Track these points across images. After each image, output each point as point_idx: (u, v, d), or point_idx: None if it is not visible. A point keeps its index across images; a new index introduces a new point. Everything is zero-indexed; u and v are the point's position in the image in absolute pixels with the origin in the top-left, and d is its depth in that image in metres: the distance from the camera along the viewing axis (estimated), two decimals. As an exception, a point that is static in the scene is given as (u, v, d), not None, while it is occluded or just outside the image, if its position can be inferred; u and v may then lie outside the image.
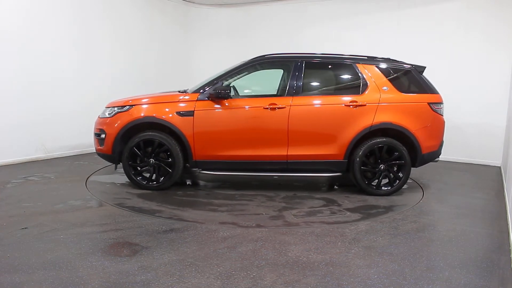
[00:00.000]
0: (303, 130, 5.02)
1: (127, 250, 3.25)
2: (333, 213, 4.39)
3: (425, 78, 5.21)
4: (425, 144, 5.05)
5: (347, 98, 5.05)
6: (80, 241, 3.40)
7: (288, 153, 5.02)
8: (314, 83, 5.47)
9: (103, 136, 5.15)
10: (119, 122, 5.05)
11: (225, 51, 9.33)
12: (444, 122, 5.21)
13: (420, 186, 5.68)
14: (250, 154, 5.05)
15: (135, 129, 5.08)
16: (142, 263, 3.01)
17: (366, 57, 5.30)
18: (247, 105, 5.13)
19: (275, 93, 5.58)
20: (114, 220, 3.97)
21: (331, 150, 5.02)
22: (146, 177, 5.13)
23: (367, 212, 4.42)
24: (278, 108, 4.98)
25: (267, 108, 4.99)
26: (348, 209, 4.52)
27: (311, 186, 5.56)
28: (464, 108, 7.37)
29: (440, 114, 5.15)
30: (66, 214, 4.08)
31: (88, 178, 5.61)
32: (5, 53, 6.11)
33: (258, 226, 3.92)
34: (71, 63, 7.10)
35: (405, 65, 5.24)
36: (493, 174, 6.67)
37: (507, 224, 4.13)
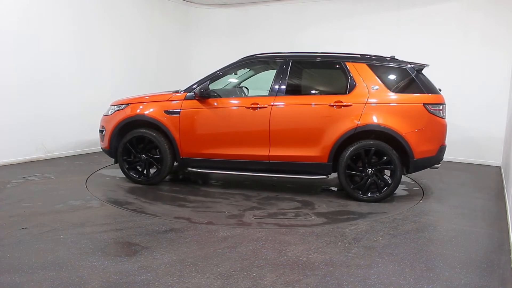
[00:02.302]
0: (284, 131, 4.89)
1: (127, 250, 3.25)
2: (296, 216, 4.27)
3: (424, 77, 4.87)
4: (418, 149, 4.68)
5: (332, 98, 4.83)
6: (80, 241, 3.40)
7: (270, 154, 4.94)
8: (300, 83, 5.30)
9: (103, 132, 5.52)
10: (116, 119, 5.37)
11: (225, 51, 9.32)
12: (444, 125, 4.87)
13: (420, 186, 5.67)
14: (233, 153, 5.05)
15: (130, 126, 5.35)
16: (142, 263, 3.01)
17: (358, 55, 5.03)
18: (230, 104, 5.16)
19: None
20: (114, 220, 3.98)
21: (314, 152, 4.83)
22: (139, 171, 5.39)
23: (334, 218, 4.22)
24: (259, 107, 4.93)
25: (249, 108, 4.97)
26: (318, 213, 4.35)
27: (302, 189, 5.45)
28: (464, 108, 7.37)
29: (439, 116, 4.78)
30: (66, 214, 4.09)
31: (88, 178, 5.61)
32: (5, 53, 6.11)
33: (209, 223, 3.98)
34: (71, 63, 7.09)
35: (401, 64, 4.92)
36: (493, 174, 6.67)
37: (507, 224, 4.13)
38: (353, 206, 4.67)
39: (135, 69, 8.33)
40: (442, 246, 3.55)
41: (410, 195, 5.23)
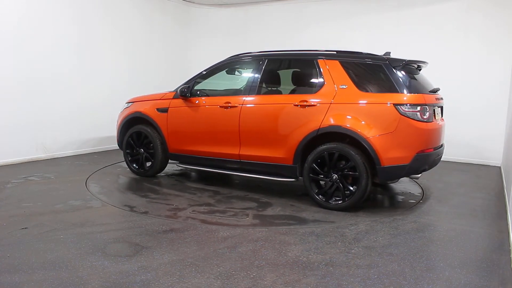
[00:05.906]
0: (252, 130, 4.87)
1: (127, 250, 3.26)
2: (234, 215, 4.20)
3: (403, 75, 4.35)
4: (386, 155, 4.18)
5: (299, 98, 4.62)
6: (80, 241, 3.40)
7: (240, 153, 4.97)
8: (271, 82, 5.24)
9: (116, 127, 6.05)
10: (122, 116, 5.93)
11: (225, 51, 9.23)
12: (424, 129, 4.26)
13: (420, 186, 5.67)
14: (210, 151, 5.20)
15: (132, 122, 5.81)
16: (142, 263, 3.01)
17: (332, 52, 4.73)
18: (207, 103, 5.25)
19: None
20: (114, 220, 3.98)
21: (279, 153, 4.69)
22: (139, 164, 5.78)
23: (270, 222, 4.06)
24: (230, 107, 4.98)
25: (222, 107, 5.05)
26: (259, 216, 4.21)
27: (283, 191, 5.22)
28: (464, 108, 7.36)
29: (414, 119, 4.19)
30: (66, 214, 4.09)
31: (88, 178, 5.62)
32: (5, 53, 6.11)
33: (144, 213, 4.20)
34: (72, 63, 7.09)
35: (376, 60, 4.47)
36: (493, 174, 6.67)
37: (507, 224, 4.13)
38: (307, 212, 4.36)
39: (135, 69, 8.33)
40: (442, 246, 3.56)
41: (410, 195, 5.23)
